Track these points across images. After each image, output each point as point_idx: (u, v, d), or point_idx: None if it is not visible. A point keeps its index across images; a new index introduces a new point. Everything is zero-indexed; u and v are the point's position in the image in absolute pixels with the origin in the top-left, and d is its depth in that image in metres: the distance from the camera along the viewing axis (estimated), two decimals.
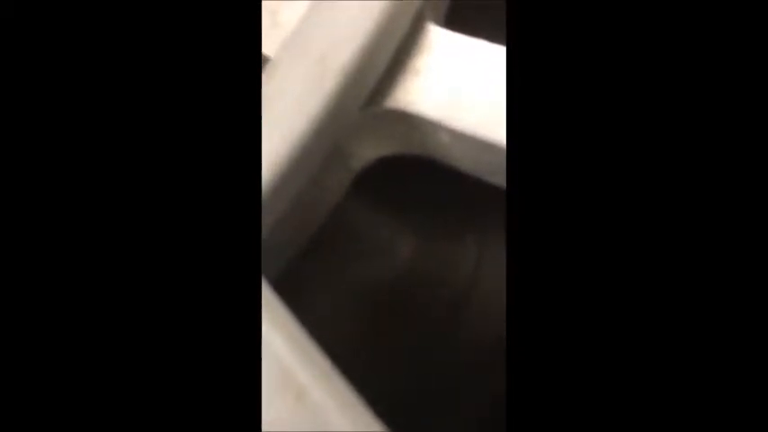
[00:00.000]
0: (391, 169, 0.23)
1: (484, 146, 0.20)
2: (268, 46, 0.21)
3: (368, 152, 0.22)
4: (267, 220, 0.20)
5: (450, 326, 0.24)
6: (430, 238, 0.25)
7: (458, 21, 0.22)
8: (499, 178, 0.21)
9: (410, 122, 0.21)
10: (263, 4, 0.22)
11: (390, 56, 0.21)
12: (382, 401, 0.18)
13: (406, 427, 0.17)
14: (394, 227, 0.26)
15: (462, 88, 0.20)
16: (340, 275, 0.25)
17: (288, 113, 0.19)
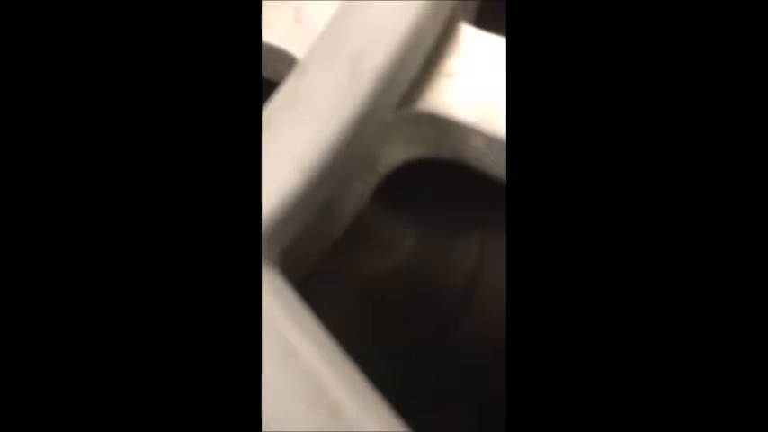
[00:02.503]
0: (397, 167, 0.23)
1: None
2: (291, 43, 0.21)
3: (396, 156, 0.22)
4: (294, 226, 0.19)
5: (450, 325, 0.24)
6: (433, 235, 0.25)
7: (488, 20, 0.22)
8: None
9: (441, 126, 0.21)
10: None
11: (423, 57, 0.20)
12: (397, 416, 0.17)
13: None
14: (397, 224, 0.25)
15: (495, 90, 0.20)
16: (341, 272, 0.24)
17: (319, 116, 0.19)
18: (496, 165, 0.21)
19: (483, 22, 0.22)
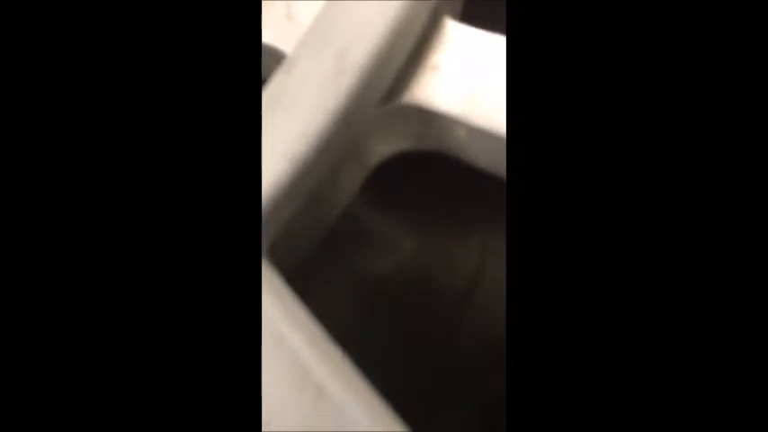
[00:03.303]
0: (396, 165, 0.23)
1: (501, 141, 0.20)
2: (282, 39, 0.21)
3: (383, 149, 0.22)
4: (282, 216, 0.20)
5: (451, 324, 0.24)
6: (434, 235, 0.25)
7: (474, 15, 0.22)
8: None
9: (427, 119, 0.21)
10: None
11: (408, 51, 0.20)
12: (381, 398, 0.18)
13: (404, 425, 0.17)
14: (398, 223, 0.25)
15: (480, 83, 0.20)
16: (342, 272, 0.24)
17: (305, 109, 0.19)
18: (481, 156, 0.21)
19: (467, 17, 0.22)
